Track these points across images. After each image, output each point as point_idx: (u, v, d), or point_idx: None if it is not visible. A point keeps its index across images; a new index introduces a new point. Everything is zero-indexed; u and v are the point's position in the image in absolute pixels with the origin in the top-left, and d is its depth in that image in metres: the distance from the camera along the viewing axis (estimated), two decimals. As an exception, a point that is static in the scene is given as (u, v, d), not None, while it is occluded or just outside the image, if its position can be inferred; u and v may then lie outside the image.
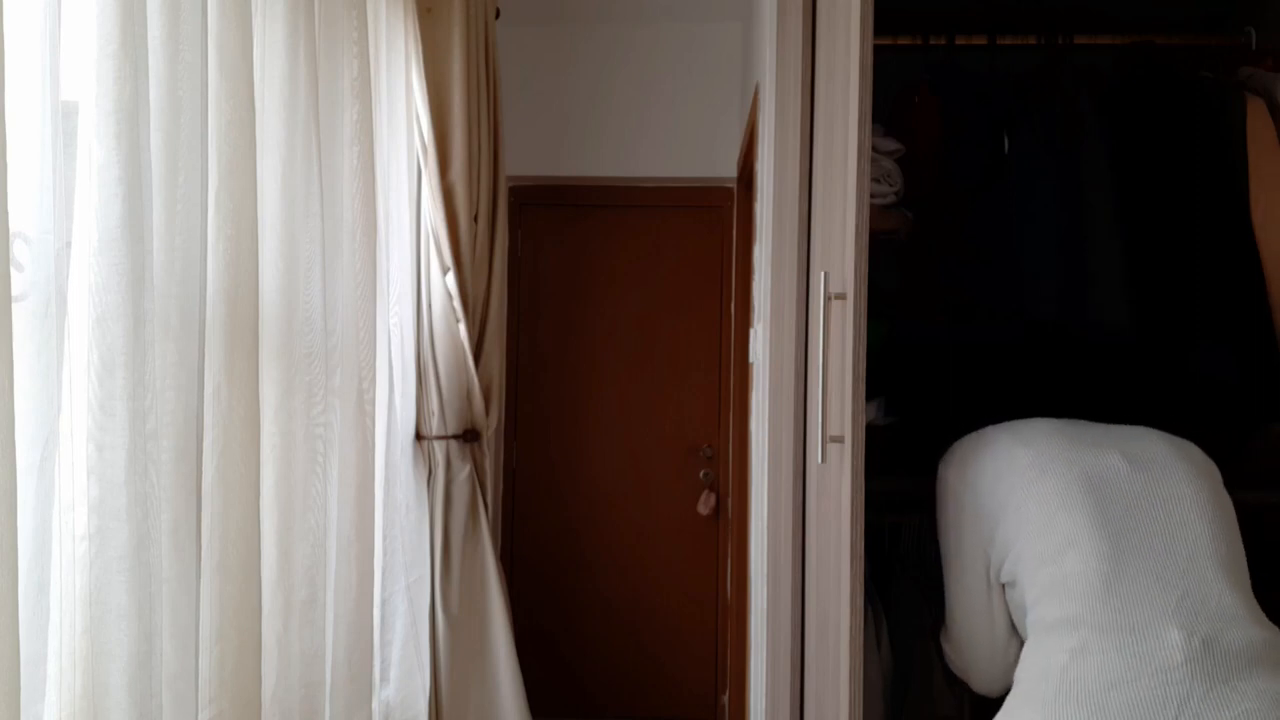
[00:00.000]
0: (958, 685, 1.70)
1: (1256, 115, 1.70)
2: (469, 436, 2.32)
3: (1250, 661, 1.07)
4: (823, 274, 1.36)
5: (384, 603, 2.00)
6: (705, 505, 3.18)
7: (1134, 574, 1.14)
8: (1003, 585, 1.32)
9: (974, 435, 1.42)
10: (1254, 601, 1.15)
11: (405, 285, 2.13)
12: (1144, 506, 1.19)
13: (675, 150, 3.19)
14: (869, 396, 1.32)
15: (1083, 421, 1.38)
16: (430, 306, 2.20)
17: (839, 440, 1.31)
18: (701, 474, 3.23)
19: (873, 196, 1.76)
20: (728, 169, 3.14)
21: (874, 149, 1.76)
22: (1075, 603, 1.15)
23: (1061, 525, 1.21)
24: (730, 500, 3.08)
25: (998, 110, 1.87)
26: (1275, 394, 1.65)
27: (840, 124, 1.39)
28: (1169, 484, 1.21)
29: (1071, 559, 1.18)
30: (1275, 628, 1.13)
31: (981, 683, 1.42)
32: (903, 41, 2.00)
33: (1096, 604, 1.13)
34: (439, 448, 2.24)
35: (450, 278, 2.18)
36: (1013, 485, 1.28)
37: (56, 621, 0.96)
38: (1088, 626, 1.12)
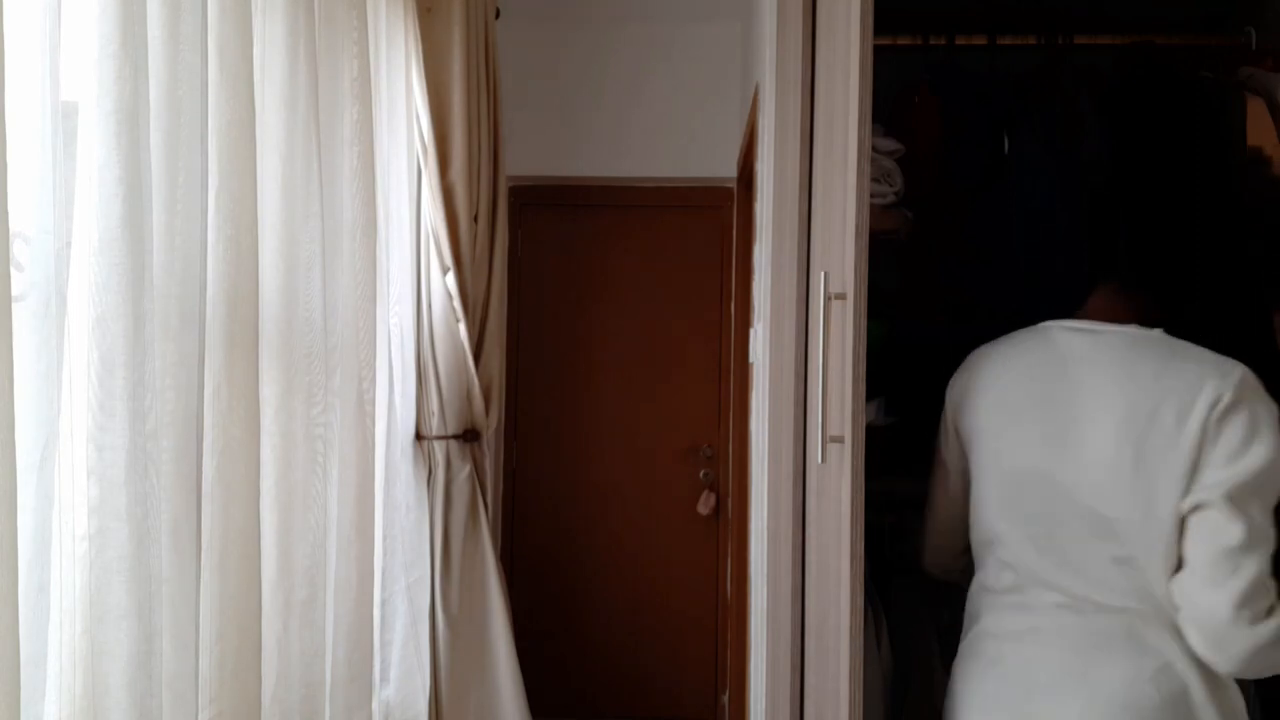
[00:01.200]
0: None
1: (1256, 115, 1.70)
2: (469, 436, 2.32)
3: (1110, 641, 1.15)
4: (823, 274, 1.36)
5: (384, 603, 2.00)
6: (705, 505, 3.18)
7: (1034, 550, 1.23)
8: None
9: (969, 369, 1.42)
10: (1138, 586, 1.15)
11: (405, 285, 2.13)
12: (1059, 489, 1.21)
13: (675, 150, 3.19)
14: (868, 396, 1.32)
15: (1068, 347, 1.28)
16: (430, 306, 2.20)
17: (839, 440, 1.31)
18: (701, 474, 3.22)
19: (873, 196, 1.75)
20: (728, 169, 3.14)
21: (874, 149, 1.76)
22: (994, 573, 1.29)
23: (991, 497, 1.31)
24: (730, 500, 3.07)
25: (998, 110, 1.87)
26: (1275, 394, 1.65)
27: (840, 124, 1.39)
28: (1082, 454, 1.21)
29: (1000, 541, 1.29)
30: (1145, 609, 1.15)
31: (928, 561, 1.53)
32: (903, 41, 2.00)
33: (1008, 578, 1.26)
34: (439, 448, 2.24)
35: (450, 278, 2.18)
36: (971, 427, 1.36)
37: (56, 621, 0.96)
38: (1005, 593, 1.27)
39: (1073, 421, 1.21)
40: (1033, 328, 1.35)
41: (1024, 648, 1.22)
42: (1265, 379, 1.67)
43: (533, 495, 3.26)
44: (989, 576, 1.30)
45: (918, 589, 1.77)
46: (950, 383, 1.43)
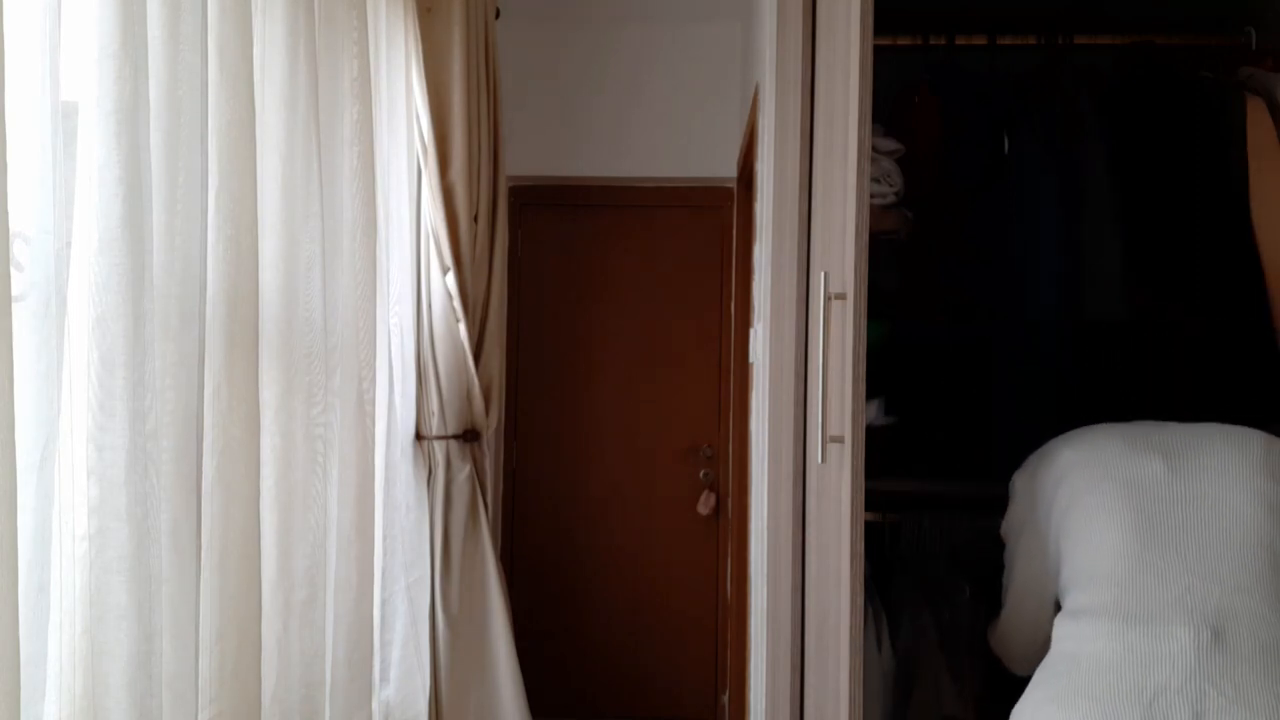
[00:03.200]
0: (963, 684, 1.70)
1: (1256, 115, 1.70)
2: (469, 436, 2.32)
3: (1268, 658, 1.08)
4: (823, 274, 1.36)
5: (384, 603, 2.00)
6: (705, 505, 3.18)
7: (1148, 571, 1.16)
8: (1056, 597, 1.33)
9: (1044, 447, 1.42)
10: None
11: (405, 285, 2.13)
12: (1176, 508, 1.20)
13: (675, 150, 3.19)
14: (868, 396, 1.32)
15: (1147, 423, 1.36)
16: (430, 306, 2.20)
17: (839, 440, 1.31)
18: (701, 474, 3.22)
19: (873, 196, 1.75)
20: (728, 169, 3.14)
21: (874, 149, 1.76)
22: (1093, 595, 1.20)
23: (1097, 527, 1.24)
24: (730, 500, 3.07)
25: (998, 110, 1.87)
26: (1275, 393, 1.65)
27: (840, 124, 1.39)
28: (1204, 485, 1.21)
29: (1099, 556, 1.21)
30: None
31: (1018, 668, 1.48)
32: (903, 41, 2.00)
33: (1109, 596, 1.17)
34: (439, 448, 2.24)
35: (450, 278, 2.18)
36: (1059, 492, 1.31)
37: (56, 621, 0.96)
38: (1100, 617, 1.17)
39: None
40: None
41: None
42: (1265, 380, 1.67)
43: (533, 495, 3.26)
44: (1087, 599, 1.24)
45: (919, 588, 1.77)
46: (1025, 468, 1.43)
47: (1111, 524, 1.21)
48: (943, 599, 1.76)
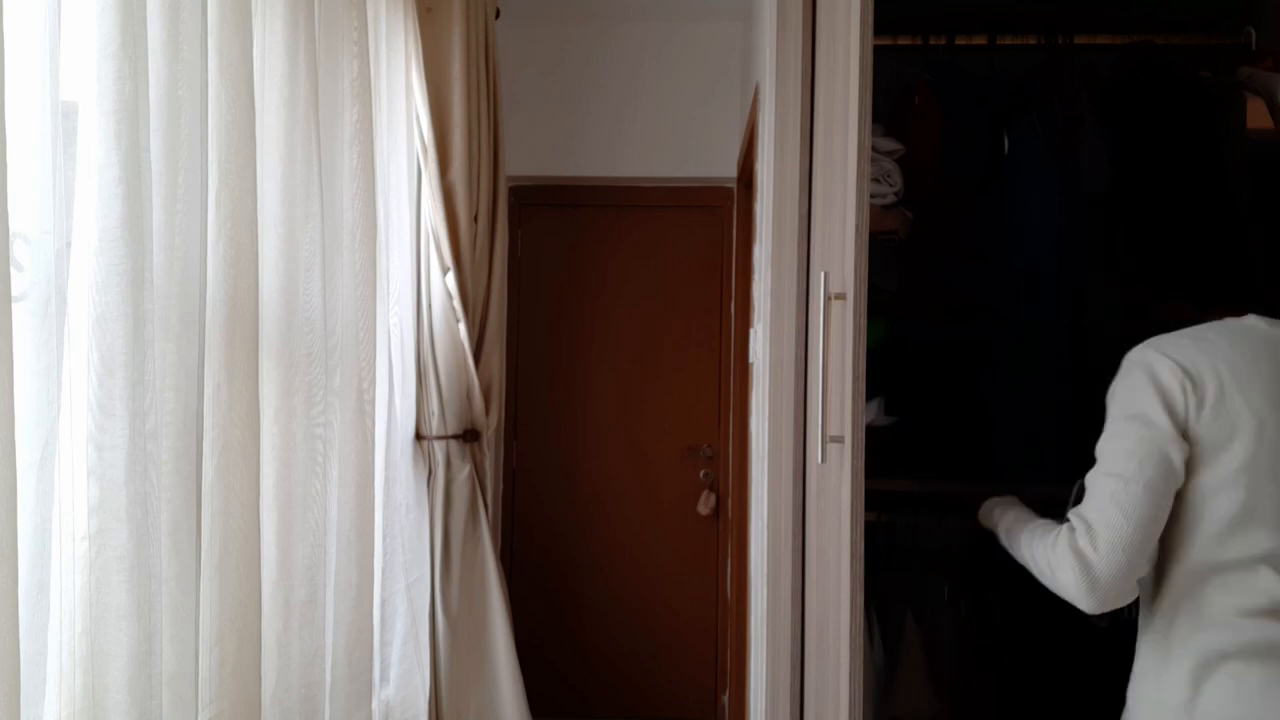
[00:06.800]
0: (941, 683, 1.72)
1: (1256, 116, 1.70)
2: (469, 436, 2.32)
3: None
4: (823, 274, 1.36)
5: (384, 603, 2.00)
6: (705, 505, 3.18)
7: None
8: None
9: (1185, 332, 1.27)
10: None
11: (405, 285, 2.13)
12: None
13: (675, 150, 3.19)
14: (868, 396, 1.32)
15: None
16: (430, 306, 2.20)
17: (839, 440, 1.31)
18: (701, 474, 3.23)
19: (872, 196, 1.76)
20: (728, 169, 3.14)
21: (874, 149, 1.76)
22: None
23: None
24: (730, 500, 3.08)
25: (998, 110, 1.87)
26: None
27: (840, 124, 1.39)
28: None
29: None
30: None
31: (1110, 578, 1.14)
32: (903, 41, 2.00)
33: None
34: (439, 448, 2.24)
35: (450, 278, 2.18)
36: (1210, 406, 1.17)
37: (56, 621, 0.96)
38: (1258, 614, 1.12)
39: None
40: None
41: None
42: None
43: (533, 495, 3.26)
44: (1246, 598, 1.15)
45: (900, 586, 1.78)
46: (1158, 344, 1.25)
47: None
48: (922, 598, 1.77)
